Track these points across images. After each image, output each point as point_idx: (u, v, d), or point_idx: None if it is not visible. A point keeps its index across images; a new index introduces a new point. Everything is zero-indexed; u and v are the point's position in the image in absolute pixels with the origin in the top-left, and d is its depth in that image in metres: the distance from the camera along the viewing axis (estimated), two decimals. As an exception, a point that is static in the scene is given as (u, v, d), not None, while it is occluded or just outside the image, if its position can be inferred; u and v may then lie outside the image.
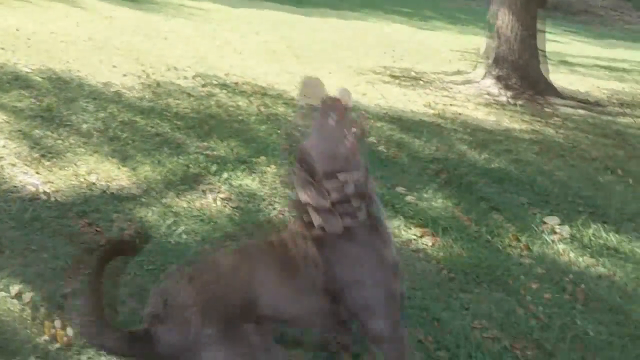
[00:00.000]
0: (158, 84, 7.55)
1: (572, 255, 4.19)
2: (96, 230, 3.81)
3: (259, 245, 2.46)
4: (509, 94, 9.57)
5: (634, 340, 3.29)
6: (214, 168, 4.98)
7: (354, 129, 2.35)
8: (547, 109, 9.32)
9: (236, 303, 2.25)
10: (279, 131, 6.23)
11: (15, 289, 3.13)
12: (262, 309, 2.27)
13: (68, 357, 2.76)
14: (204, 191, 4.55)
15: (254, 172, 5.00)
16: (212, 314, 2.19)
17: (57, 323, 2.89)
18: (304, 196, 2.31)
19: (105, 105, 6.31)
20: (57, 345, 2.80)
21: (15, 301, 3.06)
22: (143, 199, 4.30)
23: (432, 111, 7.87)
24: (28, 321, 2.94)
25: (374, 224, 2.36)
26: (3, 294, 3.11)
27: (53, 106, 5.88)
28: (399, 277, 2.44)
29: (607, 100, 10.61)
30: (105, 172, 4.62)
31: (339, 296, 2.31)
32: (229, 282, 2.29)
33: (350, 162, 2.31)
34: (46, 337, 2.82)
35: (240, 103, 7.17)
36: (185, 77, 8.09)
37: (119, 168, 4.74)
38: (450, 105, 8.84)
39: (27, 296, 3.10)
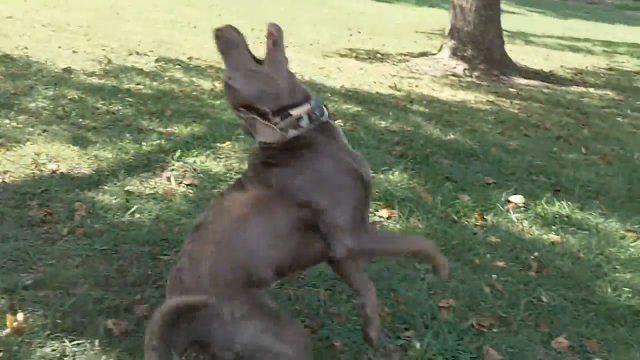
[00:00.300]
0: (109, 61, 7.40)
1: (525, 223, 4.25)
2: (47, 212, 3.72)
3: (230, 206, 2.35)
4: (466, 66, 9.65)
5: (586, 305, 3.35)
6: (167, 146, 4.90)
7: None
8: (503, 81, 9.43)
9: (242, 273, 2.22)
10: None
11: None
12: (261, 268, 2.25)
13: (24, 343, 2.69)
14: (157, 169, 4.47)
15: (208, 149, 4.93)
16: (230, 293, 2.16)
17: (20, 316, 2.81)
18: (260, 138, 2.29)
19: (55, 83, 6.17)
20: (8, 331, 2.73)
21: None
22: (95, 179, 4.22)
23: (397, 92, 7.87)
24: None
25: (325, 132, 2.36)
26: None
27: (9, 90, 5.72)
28: (360, 181, 2.37)
29: (561, 72, 10.78)
30: (56, 154, 4.51)
31: (311, 215, 2.29)
32: (226, 257, 2.23)
33: (296, 95, 2.31)
34: (8, 331, 2.74)
35: (194, 79, 7.07)
36: (138, 53, 7.96)
37: (71, 149, 4.63)
38: (408, 78, 8.89)
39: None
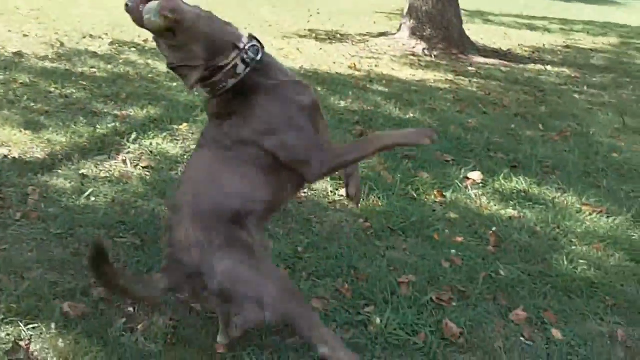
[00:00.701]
0: (62, 44, 7.23)
1: (483, 199, 4.30)
2: (-1, 197, 3.63)
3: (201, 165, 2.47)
4: (425, 46, 9.70)
5: (543, 277, 3.41)
6: (123, 129, 4.82)
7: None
8: (462, 60, 9.50)
9: (220, 212, 2.35)
10: (192, 89, 6.07)
11: None
12: (239, 208, 2.36)
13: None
14: (113, 153, 4.39)
15: (165, 131, 4.87)
16: (212, 229, 2.32)
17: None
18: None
19: (5, 67, 6.00)
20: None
21: None
22: (49, 164, 4.12)
23: (357, 73, 7.86)
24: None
25: (264, 71, 2.34)
26: None
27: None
28: (309, 108, 2.38)
29: (519, 50, 10.90)
30: (8, 138, 4.40)
31: (274, 154, 2.34)
32: (209, 195, 2.37)
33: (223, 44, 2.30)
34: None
35: (150, 62, 6.95)
36: (92, 36, 7.79)
37: (23, 133, 4.51)
38: (368, 58, 8.89)
39: None
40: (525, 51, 10.94)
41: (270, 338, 2.75)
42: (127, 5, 2.26)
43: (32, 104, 5.15)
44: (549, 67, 9.56)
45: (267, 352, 2.66)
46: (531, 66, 9.59)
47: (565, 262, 3.55)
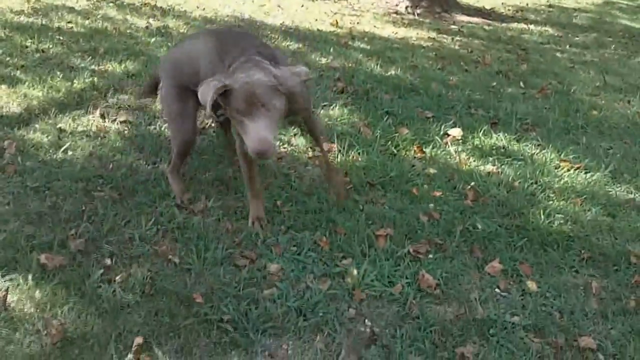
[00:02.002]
0: (38, -2, 7.05)
1: (463, 155, 4.31)
2: (-26, 151, 3.59)
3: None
4: (408, 3, 9.60)
5: (520, 231, 3.44)
6: (101, 84, 4.75)
7: None
8: (445, 19, 9.43)
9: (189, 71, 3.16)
10: (169, 44, 5.99)
11: None
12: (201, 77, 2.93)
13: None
14: (90, 107, 4.34)
15: (142, 86, 4.80)
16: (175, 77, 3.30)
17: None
18: None
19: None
20: None
21: None
22: (25, 118, 4.07)
23: (338, 30, 7.77)
24: None
25: None
26: None
27: None
28: None
29: (502, 9, 10.83)
30: (-19, 92, 4.34)
31: None
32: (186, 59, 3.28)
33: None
34: None
35: (128, 17, 6.82)
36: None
37: (-4, 87, 4.45)
38: (350, 15, 8.80)
39: None
40: (509, 10, 10.87)
41: (248, 289, 2.77)
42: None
43: (8, 59, 5.06)
44: (531, 26, 9.51)
45: (244, 302, 2.69)
46: (514, 25, 9.54)
47: (542, 217, 3.59)
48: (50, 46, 5.49)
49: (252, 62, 2.80)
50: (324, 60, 6.19)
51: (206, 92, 2.66)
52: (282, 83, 2.68)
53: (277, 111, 2.65)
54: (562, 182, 4.07)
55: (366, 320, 2.70)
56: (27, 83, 4.58)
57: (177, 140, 3.37)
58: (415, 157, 4.22)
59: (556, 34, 9.14)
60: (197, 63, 3.14)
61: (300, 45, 6.67)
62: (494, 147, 4.50)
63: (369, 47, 7.06)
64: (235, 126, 2.73)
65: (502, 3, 11.32)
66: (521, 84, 6.21)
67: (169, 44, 6.00)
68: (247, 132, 2.61)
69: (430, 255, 3.15)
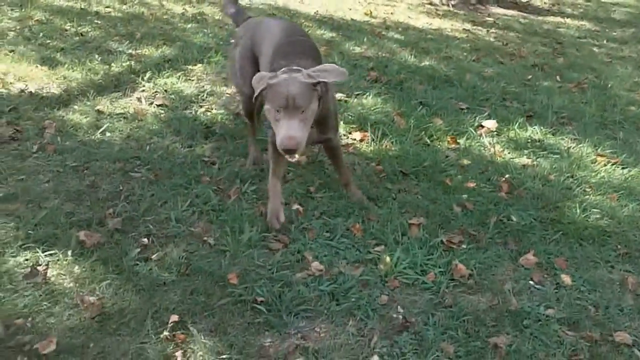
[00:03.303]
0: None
1: (497, 147, 4.28)
2: (16, 130, 3.66)
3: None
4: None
5: (555, 224, 3.41)
6: (138, 67, 4.81)
7: None
8: (480, 11, 9.34)
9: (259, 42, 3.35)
10: (205, 30, 6.03)
11: None
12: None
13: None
14: (128, 90, 4.40)
15: (180, 71, 4.85)
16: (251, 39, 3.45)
17: None
18: None
19: (21, 5, 5.96)
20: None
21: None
22: (64, 99, 4.14)
23: (372, 19, 7.75)
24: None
25: None
26: None
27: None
28: None
29: (539, 2, 10.69)
30: (24, 73, 4.41)
31: None
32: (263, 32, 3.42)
33: None
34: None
35: (164, 3, 6.88)
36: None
37: (39, 69, 4.52)
38: (384, 5, 8.76)
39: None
40: (545, 3, 10.73)
41: (281, 272, 2.79)
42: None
43: (48, 41, 5.14)
44: (568, 20, 9.39)
45: (277, 285, 2.71)
46: (550, 18, 9.42)
47: (578, 211, 3.54)
48: (89, 30, 5.56)
49: (295, 61, 2.95)
50: (357, 50, 6.18)
51: (256, 84, 2.82)
52: (318, 76, 2.77)
53: (310, 112, 2.75)
54: (598, 176, 4.01)
55: (399, 307, 2.70)
56: (66, 65, 4.65)
57: (242, 97, 3.62)
58: (449, 148, 4.20)
59: (593, 29, 9.00)
60: (264, 41, 3.32)
61: (334, 34, 6.66)
62: (529, 140, 4.45)
63: (402, 37, 7.03)
64: (269, 119, 2.81)
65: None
66: (557, 77, 6.14)
67: (205, 30, 6.05)
68: (279, 128, 2.71)
69: (464, 246, 3.14)
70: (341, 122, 4.32)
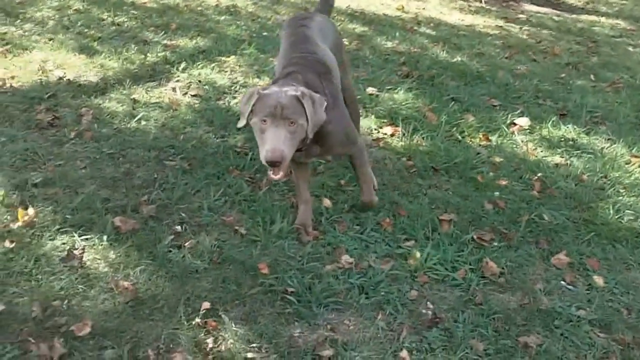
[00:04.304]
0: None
1: (530, 145, 4.24)
2: (54, 116, 3.73)
3: None
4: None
5: (588, 225, 3.38)
6: (172, 58, 4.86)
7: None
8: (512, 7, 9.25)
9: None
10: (238, 22, 6.07)
11: None
12: None
13: (35, 236, 2.78)
14: (163, 80, 4.45)
15: (213, 62, 4.90)
16: None
17: (30, 211, 2.88)
18: None
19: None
20: (19, 223, 2.80)
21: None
22: (101, 87, 4.21)
23: (404, 14, 7.72)
24: (1, 208, 2.93)
25: None
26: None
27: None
28: None
29: (572, 0, 10.54)
30: (62, 61, 4.50)
31: None
32: None
33: None
34: (19, 224, 2.81)
35: (199, -7, 6.93)
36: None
37: (77, 57, 4.61)
38: (416, 1, 8.72)
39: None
40: (579, 1, 10.57)
41: (311, 264, 2.81)
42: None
43: (86, 30, 5.23)
44: (603, 19, 9.23)
45: (307, 276, 2.73)
46: (584, 17, 9.28)
47: (611, 211, 3.50)
48: (125, 20, 5.64)
49: (293, 76, 2.80)
50: (389, 45, 6.17)
51: (246, 101, 2.63)
52: (308, 106, 2.58)
53: (299, 127, 2.54)
54: (632, 177, 3.96)
55: (428, 303, 2.70)
56: (103, 54, 4.73)
57: None
58: (480, 145, 4.18)
59: (628, 28, 8.84)
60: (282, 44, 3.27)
61: (366, 29, 6.65)
62: (562, 139, 4.41)
63: (434, 32, 6.99)
64: (255, 133, 2.60)
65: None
66: (591, 76, 6.05)
67: (238, 22, 6.09)
68: (264, 140, 2.51)
69: (495, 244, 3.13)
70: (372, 117, 4.33)
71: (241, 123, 2.64)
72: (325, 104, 2.69)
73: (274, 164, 2.47)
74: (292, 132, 2.52)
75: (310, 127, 2.58)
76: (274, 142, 2.47)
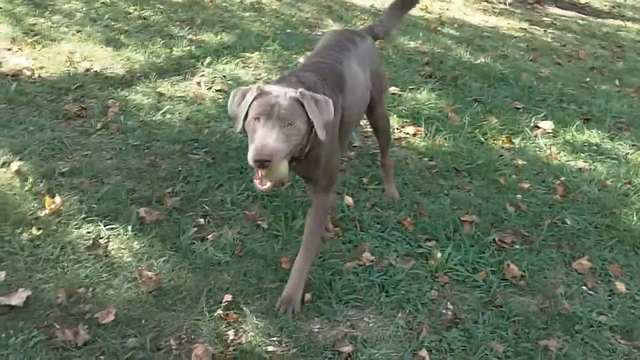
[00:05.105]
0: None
1: (553, 149, 4.23)
2: (81, 107, 3.78)
3: None
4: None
5: (610, 230, 3.36)
6: (198, 53, 4.90)
7: None
8: (537, 10, 9.19)
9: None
10: (262, 19, 6.10)
11: (15, 165, 3.16)
12: None
13: (61, 224, 2.81)
14: (188, 74, 4.49)
15: (237, 58, 4.93)
16: None
17: (57, 199, 2.92)
18: None
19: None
20: (46, 211, 2.85)
21: (15, 177, 3.09)
22: (127, 80, 4.26)
23: (428, 14, 7.70)
24: (29, 196, 2.97)
25: None
26: (2, 170, 3.14)
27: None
28: None
29: (598, 4, 10.46)
30: (90, 53, 4.56)
31: None
32: None
33: None
34: (46, 212, 2.86)
35: (224, -10, 6.97)
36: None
37: (104, 50, 4.67)
38: (440, 1, 8.70)
39: (22, 169, 3.15)
40: (605, 5, 10.49)
41: (332, 260, 2.82)
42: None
43: (113, 23, 5.29)
44: (629, 24, 9.16)
45: (328, 272, 2.74)
46: (610, 21, 9.20)
47: (635, 218, 3.48)
48: (151, 14, 5.69)
49: (296, 77, 2.56)
50: (412, 44, 6.16)
51: (239, 100, 2.38)
52: (311, 107, 2.31)
53: (296, 130, 2.28)
54: (657, 185, 3.92)
55: (448, 303, 2.70)
56: (130, 47, 4.78)
57: None
58: (503, 147, 4.16)
59: (655, 33, 8.77)
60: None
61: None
62: (586, 144, 4.38)
63: (458, 33, 6.97)
64: (248, 134, 2.31)
65: (599, -2, 10.94)
66: (616, 81, 6.01)
67: (262, 19, 6.11)
68: (255, 137, 2.23)
69: (516, 246, 3.12)
70: (394, 116, 4.32)
71: (238, 127, 2.34)
72: (332, 102, 2.39)
73: (262, 164, 2.17)
74: (288, 134, 2.25)
75: (319, 127, 2.30)
76: (264, 138, 2.19)
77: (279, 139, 2.21)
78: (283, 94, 2.29)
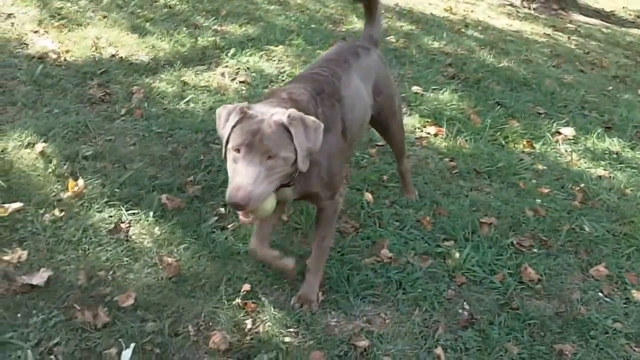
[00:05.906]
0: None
1: (574, 155, 4.21)
2: (106, 92, 3.81)
3: None
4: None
5: (628, 239, 3.35)
6: (222, 43, 4.92)
7: None
8: (561, 16, 9.15)
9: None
10: (287, 13, 6.10)
11: (39, 147, 3.19)
12: None
13: (84, 207, 2.84)
14: (212, 64, 4.51)
15: (261, 51, 4.94)
16: None
17: (80, 182, 2.95)
18: None
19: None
20: (69, 194, 2.88)
21: (39, 158, 3.13)
22: (152, 67, 4.29)
23: (452, 16, 7.69)
24: (52, 177, 3.00)
25: None
26: (27, 151, 3.17)
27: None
28: None
29: (623, 13, 10.39)
30: (115, 39, 4.59)
31: None
32: None
33: None
34: (69, 194, 2.89)
35: (250, -18, 6.98)
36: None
37: (130, 36, 4.69)
38: (465, 3, 8.68)
39: (46, 150, 3.18)
40: (630, 14, 10.42)
41: (350, 255, 2.83)
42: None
43: (139, 10, 5.31)
44: (654, 34, 9.09)
45: (346, 267, 2.75)
46: (635, 30, 9.14)
47: (653, 228, 3.46)
48: (177, 3, 5.71)
49: (288, 93, 2.38)
50: (436, 45, 6.15)
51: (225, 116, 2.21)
52: (297, 133, 2.13)
53: (281, 162, 2.10)
54: (676, 196, 3.90)
55: (465, 303, 2.70)
56: (155, 35, 4.80)
57: None
58: (523, 151, 4.16)
59: (680, 44, 8.70)
60: None
61: (413, 27, 6.64)
62: (607, 152, 4.36)
63: (482, 36, 6.95)
64: (228, 164, 2.16)
65: (623, 7, 10.85)
66: (638, 91, 5.96)
67: (287, 13, 6.12)
68: (231, 176, 2.09)
69: (534, 250, 3.12)
70: (416, 115, 4.32)
71: (223, 153, 2.18)
72: (322, 127, 2.20)
73: (237, 207, 2.03)
74: (270, 167, 2.07)
75: (301, 157, 2.13)
76: (241, 179, 2.02)
77: (259, 179, 2.03)
78: (268, 117, 2.11)
